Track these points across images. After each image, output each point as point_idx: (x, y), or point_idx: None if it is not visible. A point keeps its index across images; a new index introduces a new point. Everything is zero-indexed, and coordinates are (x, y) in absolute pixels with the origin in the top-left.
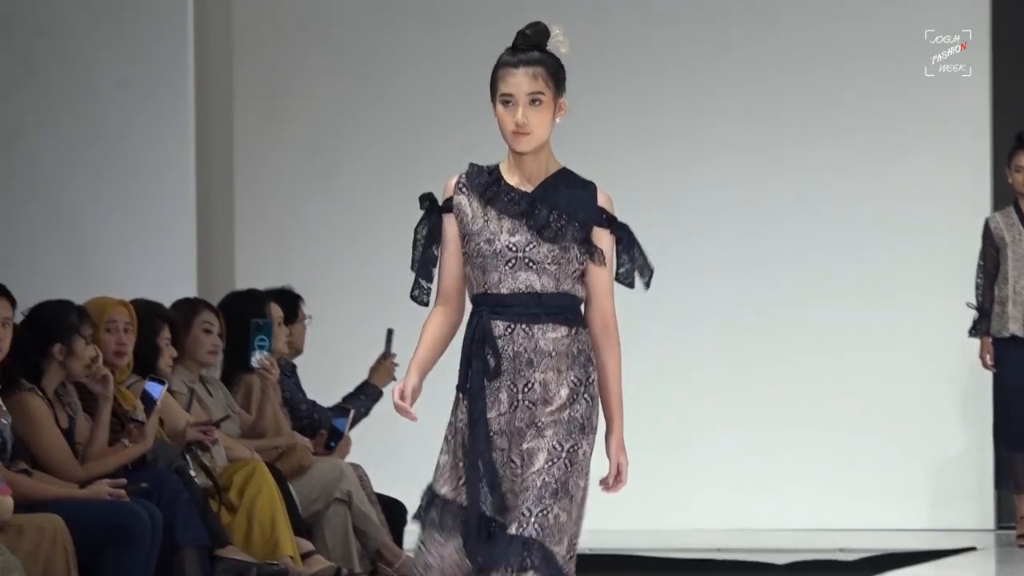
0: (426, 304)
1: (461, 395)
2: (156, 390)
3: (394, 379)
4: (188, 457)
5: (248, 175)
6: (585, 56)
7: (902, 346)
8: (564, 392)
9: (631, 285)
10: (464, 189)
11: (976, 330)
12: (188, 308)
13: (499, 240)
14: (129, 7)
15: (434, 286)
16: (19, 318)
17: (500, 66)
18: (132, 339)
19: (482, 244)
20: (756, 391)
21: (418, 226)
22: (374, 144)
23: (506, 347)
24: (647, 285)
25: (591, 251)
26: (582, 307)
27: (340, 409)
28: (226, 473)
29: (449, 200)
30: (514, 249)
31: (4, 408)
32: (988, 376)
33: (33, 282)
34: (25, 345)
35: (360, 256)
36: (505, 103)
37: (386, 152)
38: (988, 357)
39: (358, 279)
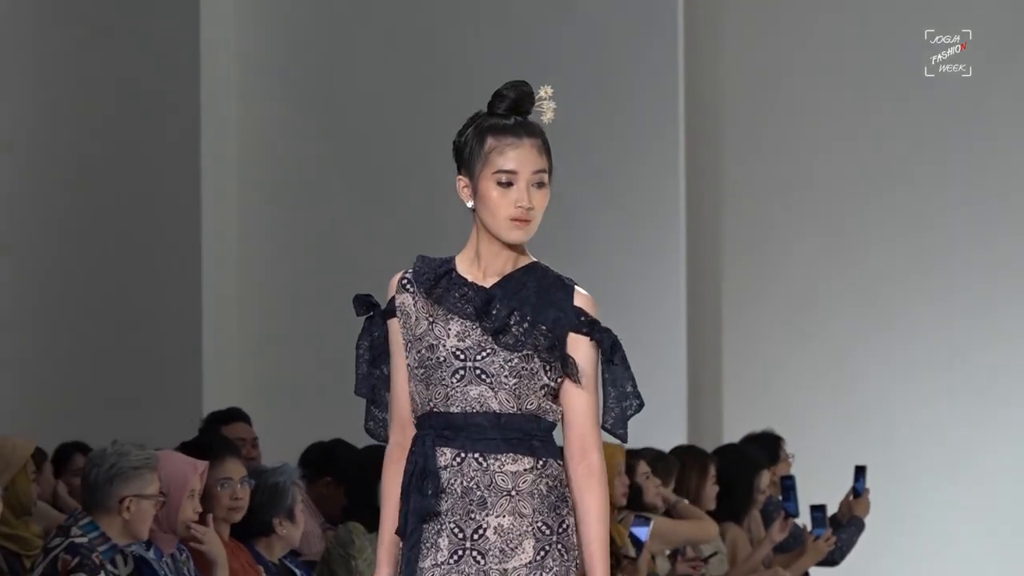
0: (385, 439)
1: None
2: (643, 532)
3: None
4: None
5: (736, 327)
6: None
7: None
8: (529, 544)
9: (615, 431)
10: (409, 286)
11: None
12: (694, 455)
13: (444, 346)
14: (626, 175)
15: (390, 415)
16: None
17: (492, 133)
18: (624, 480)
19: (423, 351)
20: None
21: (360, 339)
22: (851, 302)
23: (453, 481)
24: (622, 430)
25: (564, 361)
26: (553, 433)
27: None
28: None
29: (392, 301)
30: (462, 357)
31: None
32: None
33: None
34: None
35: (835, 400)
36: (502, 182)
37: (863, 310)
38: None
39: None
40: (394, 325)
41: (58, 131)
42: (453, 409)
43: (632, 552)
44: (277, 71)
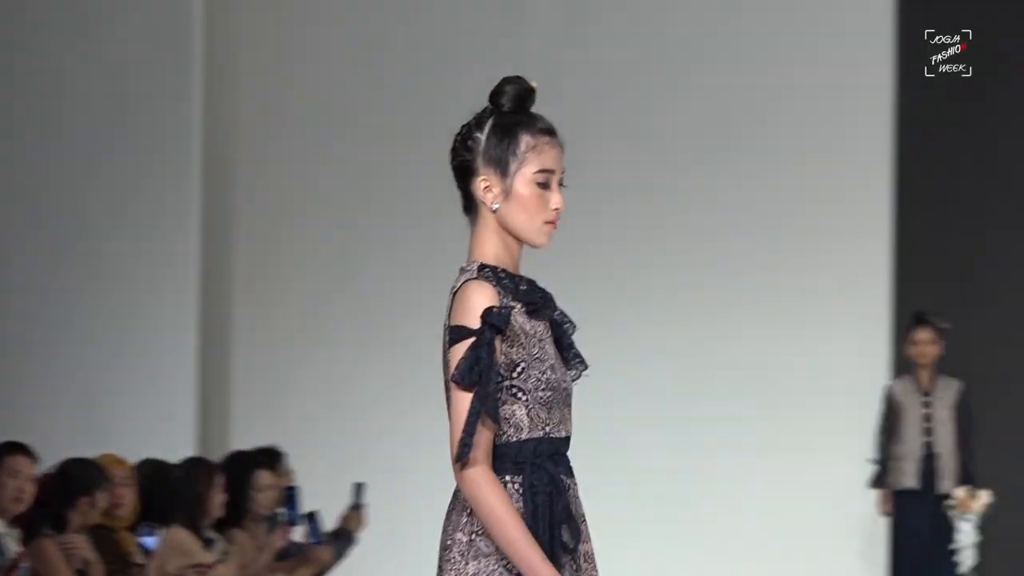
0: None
1: None
2: (150, 541)
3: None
4: None
5: (246, 342)
6: None
7: (809, 494)
8: None
9: None
10: (507, 301)
11: (876, 482)
12: (202, 466)
13: (557, 367)
14: (139, 171)
15: (479, 438)
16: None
17: (527, 131)
18: (130, 492)
19: (548, 372)
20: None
21: (477, 349)
22: (358, 313)
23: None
24: None
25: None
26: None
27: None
28: None
29: (505, 315)
30: (566, 380)
31: (25, 552)
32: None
33: (45, 438)
34: (54, 497)
35: (342, 417)
36: (541, 183)
37: (367, 324)
38: (885, 505)
39: (338, 437)
40: (496, 344)
41: None
42: (563, 434)
43: (141, 559)
44: None
